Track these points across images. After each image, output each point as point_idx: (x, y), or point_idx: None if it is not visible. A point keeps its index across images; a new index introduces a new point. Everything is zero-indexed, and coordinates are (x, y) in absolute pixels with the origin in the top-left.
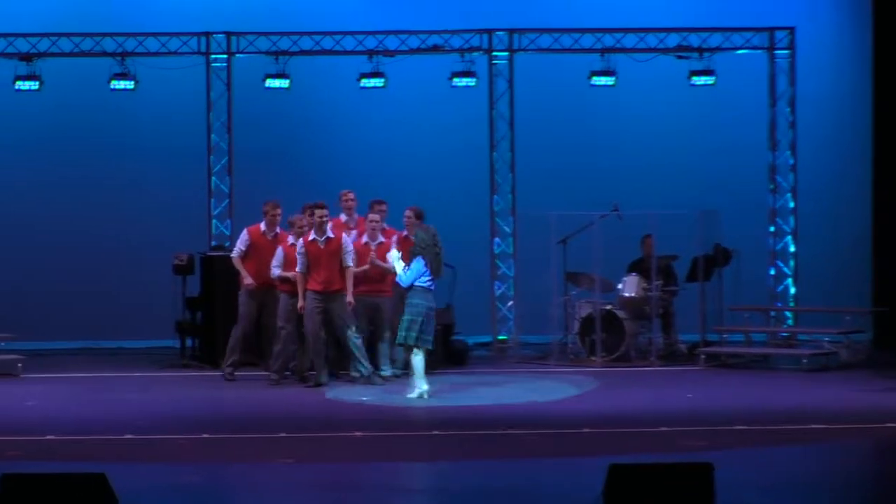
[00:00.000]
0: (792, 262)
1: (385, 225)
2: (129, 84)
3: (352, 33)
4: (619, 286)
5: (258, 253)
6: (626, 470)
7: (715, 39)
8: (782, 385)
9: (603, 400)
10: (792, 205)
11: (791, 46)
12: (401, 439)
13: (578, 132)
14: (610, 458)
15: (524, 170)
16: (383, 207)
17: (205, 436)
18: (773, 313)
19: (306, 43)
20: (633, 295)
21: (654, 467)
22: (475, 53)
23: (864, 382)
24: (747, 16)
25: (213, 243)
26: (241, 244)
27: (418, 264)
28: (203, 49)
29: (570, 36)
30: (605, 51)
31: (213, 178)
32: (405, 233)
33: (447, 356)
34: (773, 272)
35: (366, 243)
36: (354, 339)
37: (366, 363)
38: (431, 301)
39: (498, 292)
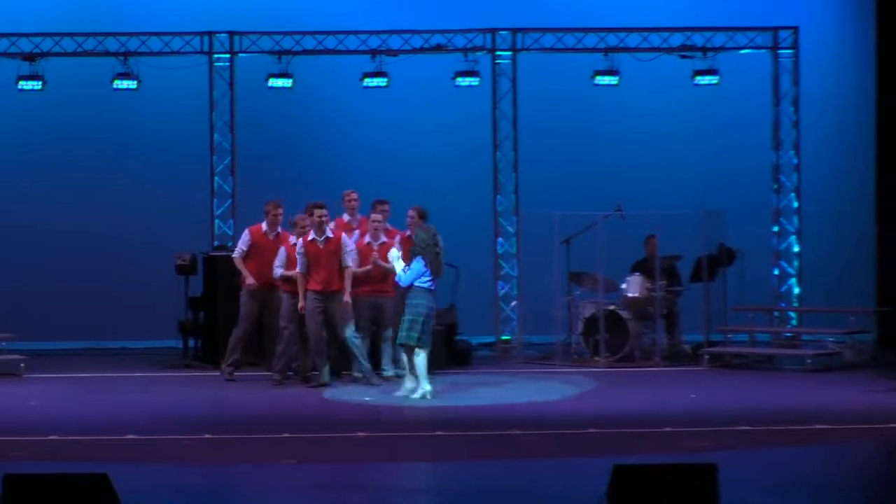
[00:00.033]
0: (796, 262)
1: (388, 225)
2: (132, 84)
3: (355, 33)
4: (623, 286)
5: (260, 253)
6: (630, 470)
7: (718, 39)
8: (786, 385)
9: (606, 400)
10: (796, 204)
11: (795, 46)
12: (404, 440)
13: (582, 132)
14: (613, 458)
15: (527, 169)
16: (386, 207)
17: (207, 436)
18: (776, 313)
19: (309, 42)
20: (636, 295)
21: (657, 468)
22: (478, 53)
23: (869, 383)
24: (751, 15)
25: (216, 243)
26: (242, 244)
27: (418, 264)
28: (206, 48)
29: (573, 35)
30: (608, 50)
31: (216, 177)
32: (408, 233)
33: (450, 356)
34: (776, 272)
35: (368, 243)
36: (353, 338)
37: (365, 363)
38: (432, 301)
39: (501, 292)
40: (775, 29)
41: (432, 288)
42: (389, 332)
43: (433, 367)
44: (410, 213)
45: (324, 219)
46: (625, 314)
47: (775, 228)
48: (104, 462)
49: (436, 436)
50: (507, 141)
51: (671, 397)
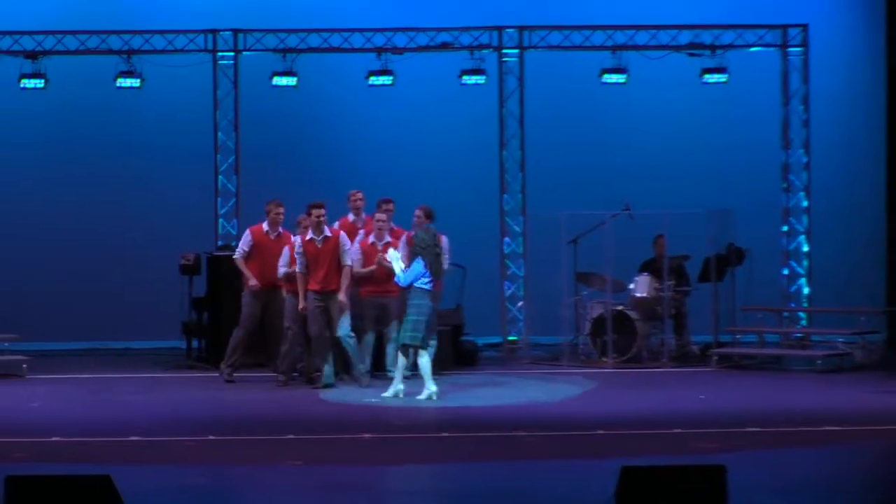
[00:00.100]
0: (805, 262)
1: (393, 224)
2: (136, 82)
3: (360, 30)
4: (631, 286)
5: (261, 253)
6: (639, 472)
7: (727, 37)
8: (796, 386)
9: (614, 401)
10: (805, 204)
11: (804, 44)
12: (409, 441)
13: (589, 130)
14: (622, 460)
15: (534, 169)
16: (390, 207)
17: (211, 437)
18: (786, 314)
19: (314, 40)
20: (644, 295)
21: (666, 469)
22: (485, 51)
23: (879, 384)
24: (760, 13)
25: (220, 243)
26: (243, 245)
27: (418, 265)
28: (210, 46)
29: (580, 33)
30: (616, 48)
31: (220, 176)
32: (413, 233)
33: (457, 357)
34: (786, 272)
35: (372, 243)
36: (348, 338)
37: (359, 364)
38: (432, 302)
39: (508, 293)
40: (785, 27)
41: (431, 289)
42: (395, 333)
43: (439, 368)
44: (417, 212)
45: (321, 219)
46: (633, 314)
47: (785, 228)
48: (107, 463)
49: (442, 437)
50: (513, 140)
51: (679, 398)
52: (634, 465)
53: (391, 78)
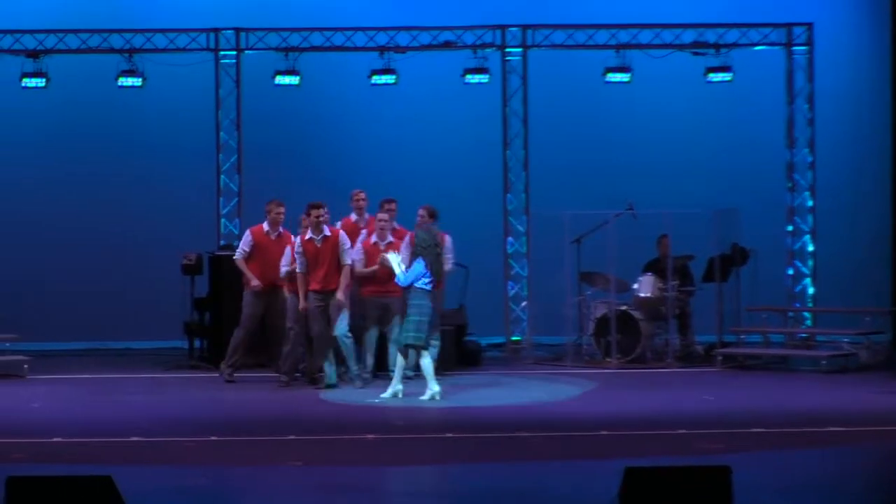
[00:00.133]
0: (810, 262)
1: (396, 224)
2: (137, 81)
3: (363, 29)
4: (635, 286)
5: (262, 253)
6: (643, 473)
7: (732, 35)
8: (801, 387)
9: (618, 402)
10: (810, 203)
11: (809, 42)
12: (412, 442)
13: (593, 130)
14: (626, 460)
15: (538, 168)
16: (392, 206)
17: (213, 438)
18: (791, 314)
19: (317, 39)
20: (648, 295)
21: (670, 470)
22: (488, 50)
23: (884, 384)
24: (765, 11)
25: (222, 242)
26: (244, 245)
27: (419, 265)
28: (212, 45)
29: (584, 32)
30: (620, 47)
31: (222, 176)
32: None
33: (460, 357)
34: (791, 272)
35: (375, 243)
36: (345, 338)
37: (353, 365)
38: (432, 302)
39: (511, 292)
40: (789, 25)
41: (431, 289)
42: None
43: (442, 368)
44: (420, 212)
45: (320, 219)
46: (637, 314)
47: (789, 227)
48: (108, 464)
49: (445, 438)
50: (517, 139)
51: (684, 399)
52: (638, 465)
53: (394, 77)
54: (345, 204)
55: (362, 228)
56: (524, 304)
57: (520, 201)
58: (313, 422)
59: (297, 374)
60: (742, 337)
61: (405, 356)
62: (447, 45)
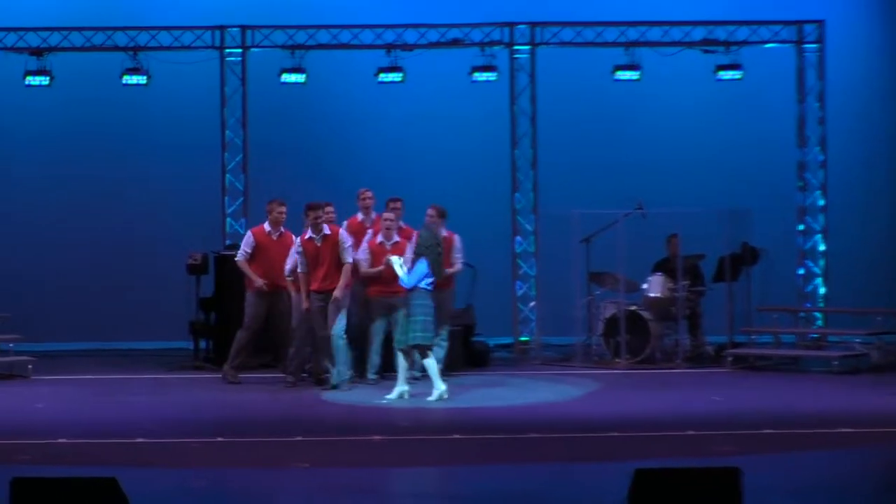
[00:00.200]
0: (821, 262)
1: (402, 223)
2: (142, 79)
3: (370, 27)
4: (645, 286)
5: (265, 254)
6: (652, 475)
7: (742, 33)
8: (812, 388)
9: (627, 403)
10: (821, 202)
11: (820, 40)
12: (419, 443)
13: (602, 128)
14: (635, 462)
15: (546, 167)
16: (398, 205)
17: (219, 439)
18: (802, 314)
19: (323, 37)
20: (658, 295)
21: (680, 472)
22: (496, 47)
23: None
24: (775, 8)
25: (228, 242)
26: (246, 247)
27: (422, 266)
28: (217, 43)
29: (593, 29)
30: (629, 44)
31: (228, 175)
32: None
33: (468, 358)
34: (802, 272)
35: (381, 243)
36: (339, 339)
37: (345, 368)
38: (433, 302)
39: (520, 292)
40: (800, 23)
41: (432, 289)
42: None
43: (450, 369)
44: (430, 211)
45: (318, 221)
46: (646, 315)
47: (800, 227)
48: (113, 466)
49: (452, 439)
50: (525, 137)
51: (694, 400)
52: (648, 467)
53: (401, 75)
54: (351, 203)
55: (368, 228)
56: (532, 304)
57: (528, 200)
58: (319, 423)
59: (304, 375)
60: (753, 337)
61: (409, 356)
62: (455, 42)
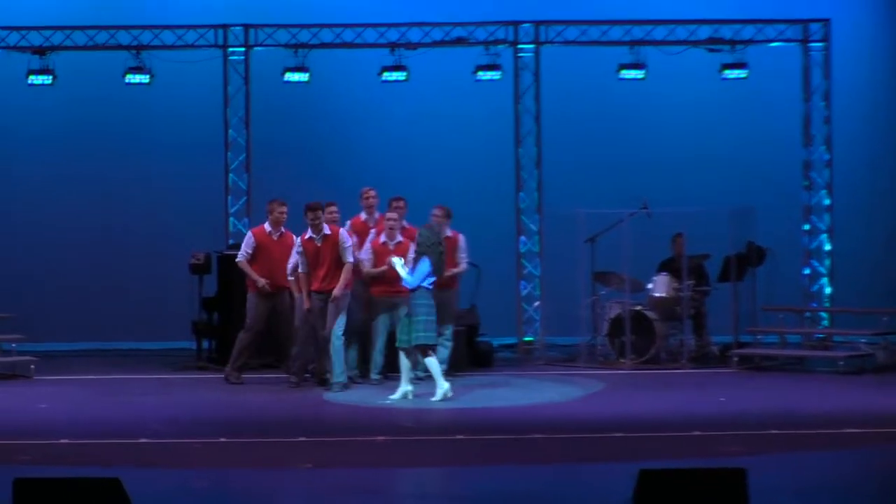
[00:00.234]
0: (827, 261)
1: (406, 223)
2: (145, 78)
3: (373, 25)
4: (649, 286)
5: (266, 254)
6: (657, 475)
7: (747, 32)
8: (817, 388)
9: (632, 403)
10: (827, 202)
11: (826, 39)
12: (423, 444)
13: (607, 127)
14: (640, 463)
15: (551, 166)
16: (401, 204)
17: (222, 440)
18: (807, 314)
19: (326, 35)
20: (663, 295)
21: (685, 473)
22: (500, 46)
23: None
24: (781, 7)
25: (231, 241)
26: (246, 247)
27: (424, 265)
28: (220, 42)
29: (597, 28)
30: (634, 43)
31: (231, 174)
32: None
33: (472, 358)
34: (807, 271)
35: (384, 243)
36: (336, 340)
37: (338, 369)
38: (434, 301)
39: (524, 292)
40: (806, 21)
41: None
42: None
43: (454, 369)
44: (436, 211)
45: (317, 221)
46: (651, 315)
47: (806, 226)
48: (116, 466)
49: (455, 439)
50: (529, 136)
51: (699, 400)
52: (653, 468)
53: (405, 74)
54: (355, 202)
55: (371, 228)
56: (537, 304)
57: (532, 200)
58: (323, 423)
59: (307, 375)
60: (758, 337)
61: (412, 356)
62: (459, 41)
